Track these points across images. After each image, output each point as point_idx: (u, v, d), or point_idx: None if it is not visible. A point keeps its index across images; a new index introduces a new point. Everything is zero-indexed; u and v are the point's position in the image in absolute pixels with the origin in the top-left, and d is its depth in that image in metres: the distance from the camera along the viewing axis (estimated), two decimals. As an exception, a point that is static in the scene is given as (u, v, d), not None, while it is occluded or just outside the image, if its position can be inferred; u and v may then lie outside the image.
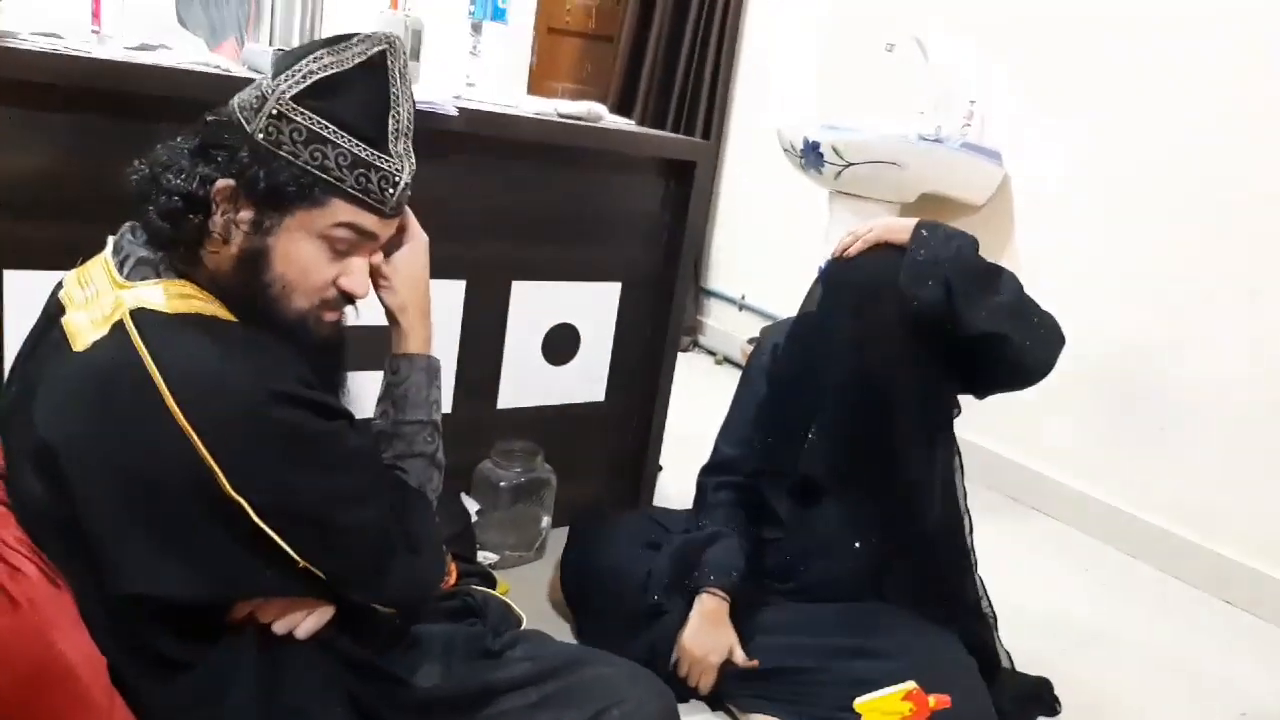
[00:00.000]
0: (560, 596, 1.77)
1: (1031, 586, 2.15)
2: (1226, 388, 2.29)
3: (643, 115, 3.75)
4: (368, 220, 0.99)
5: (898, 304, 1.45)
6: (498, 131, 1.72)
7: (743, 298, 3.68)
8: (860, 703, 1.05)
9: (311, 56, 0.96)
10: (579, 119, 1.86)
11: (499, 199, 1.80)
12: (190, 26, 1.94)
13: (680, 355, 3.72)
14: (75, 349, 0.92)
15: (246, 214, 0.95)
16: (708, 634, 1.53)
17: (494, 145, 1.74)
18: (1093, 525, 2.56)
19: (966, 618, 1.60)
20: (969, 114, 2.73)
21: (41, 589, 0.75)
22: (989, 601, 1.64)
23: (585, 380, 2.01)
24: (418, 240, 1.17)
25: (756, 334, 2.34)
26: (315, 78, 0.95)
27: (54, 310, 0.99)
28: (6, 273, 1.35)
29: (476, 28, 1.95)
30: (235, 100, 0.98)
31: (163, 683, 0.95)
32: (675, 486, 2.20)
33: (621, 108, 3.74)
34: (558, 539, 1.86)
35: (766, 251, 3.64)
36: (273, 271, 0.96)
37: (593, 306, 1.98)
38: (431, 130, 1.61)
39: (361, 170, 0.96)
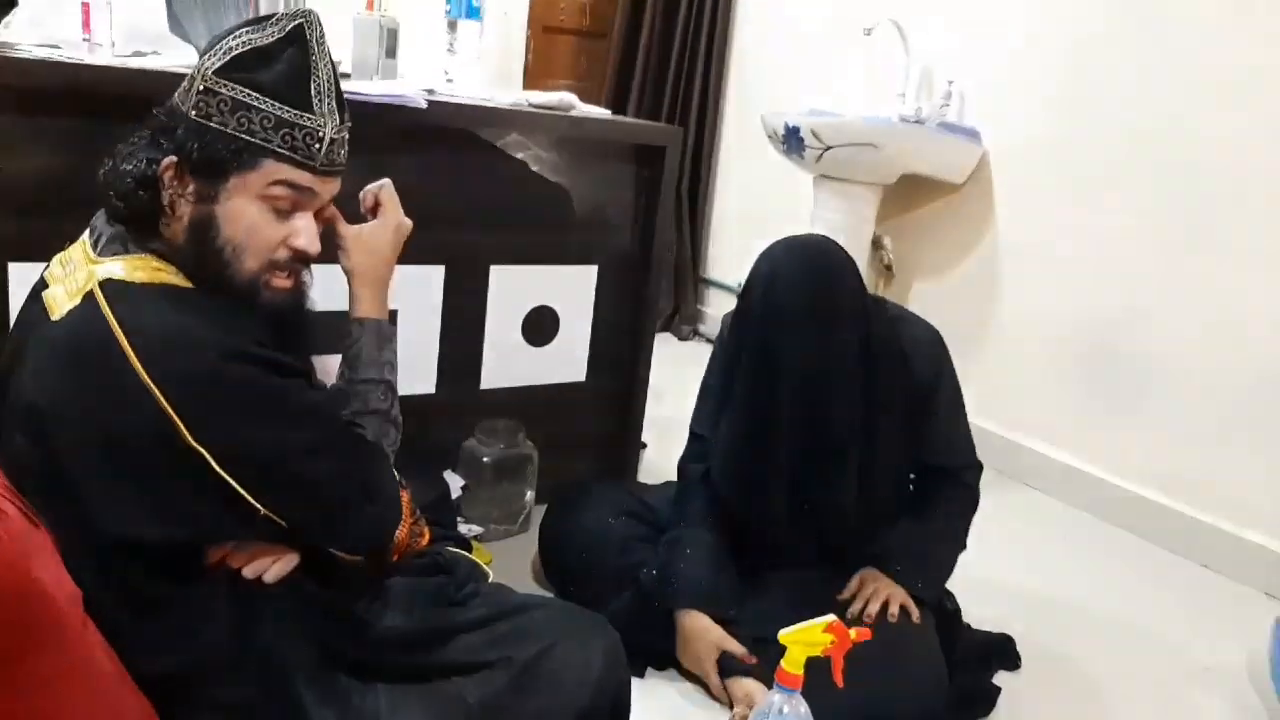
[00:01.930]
0: (541, 567, 1.86)
1: (1005, 553, 2.20)
2: (1198, 355, 2.34)
3: (637, 108, 3.83)
4: (301, 177, 1.07)
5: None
6: (468, 123, 1.82)
7: (739, 286, 3.74)
8: (784, 634, 1.12)
9: (233, 35, 1.05)
10: (551, 108, 1.95)
11: (475, 187, 1.89)
12: (191, 37, 2.04)
13: (681, 343, 3.84)
14: (53, 318, 1.02)
15: (190, 186, 1.05)
16: (694, 648, 1.57)
17: (468, 136, 1.84)
18: (1068, 493, 2.61)
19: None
20: (947, 94, 2.79)
21: (20, 526, 0.85)
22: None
23: (566, 361, 2.10)
24: (388, 217, 1.28)
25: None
26: (235, 52, 1.04)
27: (39, 287, 1.09)
28: (11, 265, 1.46)
29: (452, 25, 2.04)
30: (176, 95, 1.08)
31: (140, 620, 1.04)
32: (661, 463, 2.28)
33: (616, 101, 3.82)
34: (541, 514, 1.93)
35: (763, 239, 3.70)
36: (221, 236, 1.05)
37: (571, 289, 2.06)
38: (405, 123, 1.71)
39: (286, 130, 1.05)
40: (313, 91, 1.07)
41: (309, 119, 1.07)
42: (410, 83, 1.82)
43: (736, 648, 1.53)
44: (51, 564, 0.89)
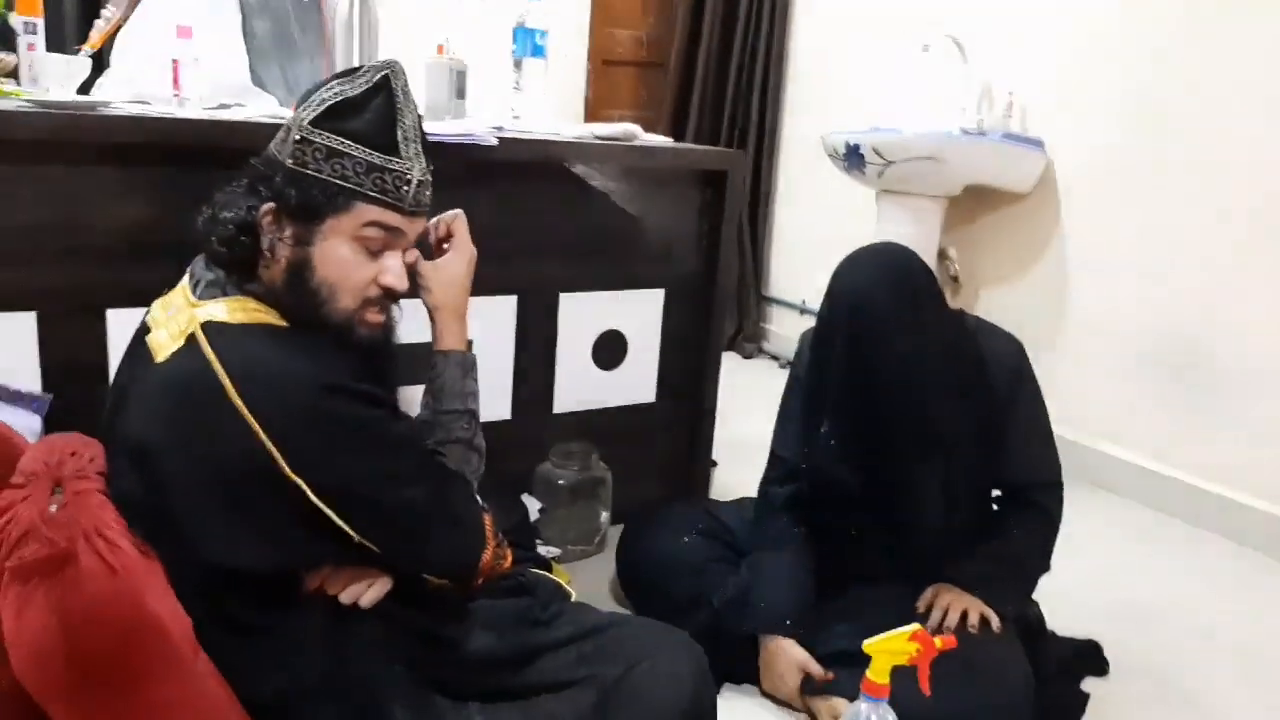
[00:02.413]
0: (620, 588, 1.88)
1: (1087, 559, 2.17)
2: (1277, 354, 2.29)
3: (696, 133, 3.88)
4: (391, 218, 1.13)
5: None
6: (536, 156, 1.87)
7: (803, 303, 3.75)
8: (869, 644, 1.12)
9: (325, 87, 1.12)
10: (615, 139, 1.99)
11: (544, 219, 1.94)
12: (269, 86, 2.14)
13: (745, 361, 3.85)
14: (157, 360, 1.09)
15: (288, 230, 1.11)
16: (777, 673, 1.57)
17: (536, 170, 1.89)
18: (1149, 496, 2.56)
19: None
20: (1009, 105, 2.78)
21: (134, 560, 0.90)
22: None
23: (635, 383, 2.13)
24: (461, 250, 1.34)
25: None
26: (329, 103, 1.10)
27: (142, 331, 1.16)
28: (109, 312, 1.54)
29: (518, 64, 2.10)
30: (272, 141, 1.15)
31: (243, 646, 1.10)
32: (732, 479, 2.29)
33: (675, 128, 3.88)
34: (618, 535, 1.95)
35: (824, 256, 3.70)
36: (317, 277, 1.11)
37: (638, 313, 2.10)
38: (475, 160, 1.77)
39: (377, 174, 1.11)
40: (399, 137, 1.13)
41: (397, 163, 1.12)
42: (479, 121, 1.88)
43: (817, 669, 1.54)
44: (166, 595, 0.95)
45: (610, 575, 1.94)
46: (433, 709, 1.17)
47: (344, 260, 1.12)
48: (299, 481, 1.04)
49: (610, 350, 2.08)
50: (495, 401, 1.96)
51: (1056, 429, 1.66)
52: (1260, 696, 1.74)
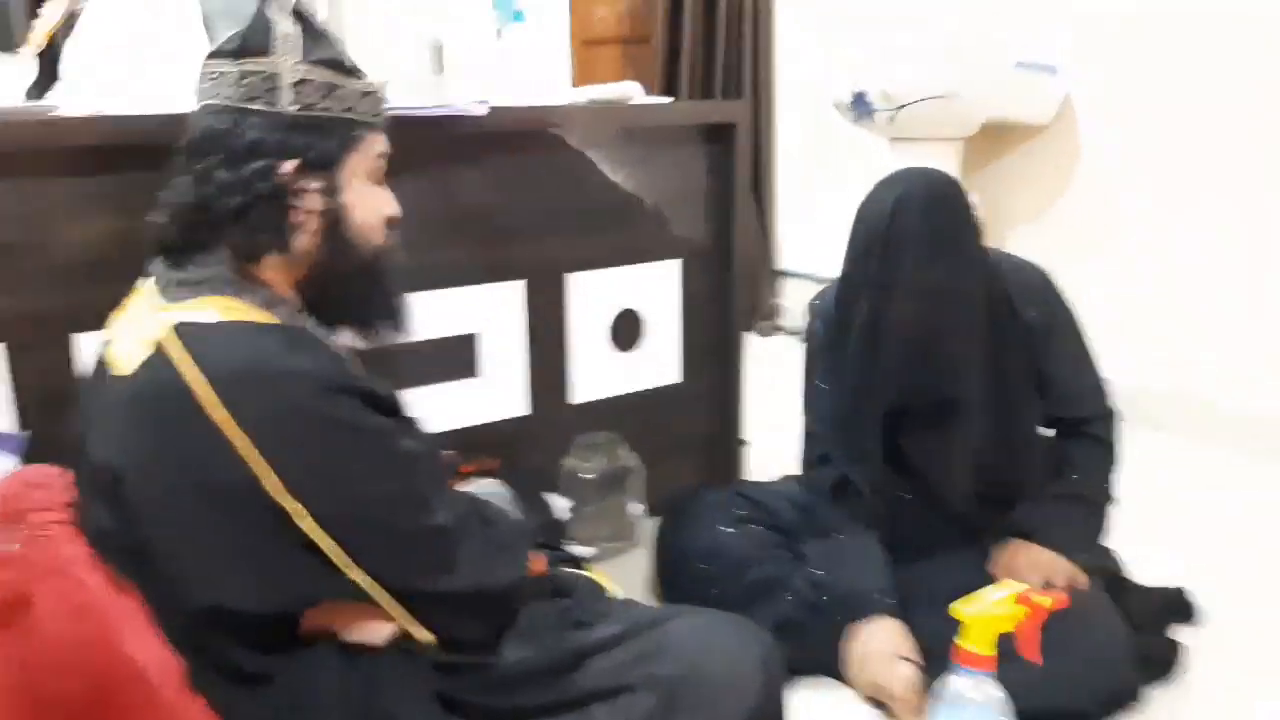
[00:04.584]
0: (660, 587, 1.74)
1: (1153, 502, 2.02)
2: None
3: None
4: (386, 142, 1.06)
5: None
6: (530, 124, 1.73)
7: (817, 278, 3.60)
8: (962, 610, 0.98)
9: (270, 29, 0.97)
10: (610, 102, 1.86)
11: (544, 195, 1.80)
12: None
13: (764, 339, 3.69)
14: (120, 374, 0.94)
15: (314, 185, 0.98)
16: (876, 656, 1.38)
17: (530, 140, 1.75)
18: (1201, 431, 2.42)
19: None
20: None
21: (105, 599, 0.77)
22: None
23: (658, 363, 1.99)
24: None
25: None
26: (298, 39, 0.98)
27: (102, 351, 1.02)
28: (76, 336, 1.38)
29: (499, 33, 1.96)
30: (212, 115, 0.98)
31: (246, 697, 0.94)
32: (765, 459, 2.14)
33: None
34: (652, 527, 1.82)
35: (836, 221, 3.56)
36: (354, 226, 1.01)
37: (654, 288, 1.95)
38: (462, 134, 1.64)
39: (369, 99, 1.02)
40: (347, 55, 1.03)
41: (375, 84, 1.03)
42: (463, 95, 1.74)
43: (913, 651, 1.39)
44: (143, 636, 0.81)
45: (648, 571, 1.80)
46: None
47: (369, 199, 1.04)
48: (290, 503, 0.88)
49: (628, 330, 1.94)
50: (512, 397, 1.83)
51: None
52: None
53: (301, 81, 0.97)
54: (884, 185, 1.44)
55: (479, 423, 1.77)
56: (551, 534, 1.61)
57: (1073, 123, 2.62)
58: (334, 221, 1.00)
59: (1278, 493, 2.15)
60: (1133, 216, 2.52)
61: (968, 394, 1.45)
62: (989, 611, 0.98)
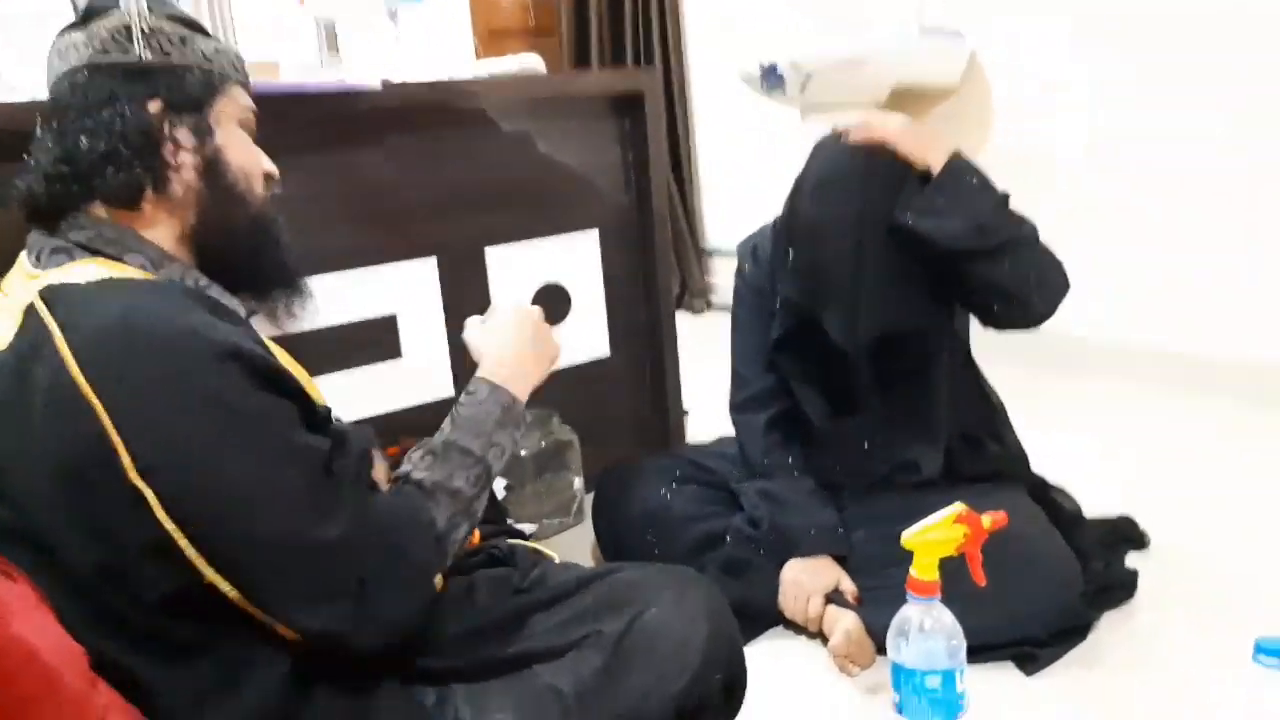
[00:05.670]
0: (600, 555, 1.71)
1: (1096, 439, 2.06)
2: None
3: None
4: (250, 101, 1.02)
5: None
6: (428, 99, 1.69)
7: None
8: (908, 537, 0.97)
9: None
10: (512, 75, 1.82)
11: (453, 170, 1.76)
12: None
13: (695, 317, 3.68)
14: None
15: (184, 129, 0.94)
16: (805, 587, 1.43)
17: (430, 116, 1.71)
18: (1132, 374, 2.46)
19: (1016, 473, 1.55)
20: (919, 6, 2.66)
21: (-11, 583, 0.71)
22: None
23: (585, 336, 1.96)
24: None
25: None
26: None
27: None
28: None
29: (393, 14, 1.91)
30: (66, 78, 0.93)
31: (169, 675, 0.86)
32: (707, 426, 2.13)
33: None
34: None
35: (758, 200, 3.57)
36: (233, 167, 0.97)
37: (575, 259, 1.93)
38: (357, 112, 1.59)
39: (224, 56, 0.99)
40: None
41: (222, 43, 1.00)
42: (362, 75, 1.69)
43: (850, 585, 1.41)
44: (35, 617, 0.75)
45: (593, 545, 1.77)
46: (418, 712, 0.98)
47: (244, 143, 0.99)
48: (143, 488, 0.77)
49: (552, 304, 1.90)
50: (435, 378, 1.78)
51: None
52: None
53: (153, 31, 0.94)
54: (826, 142, 1.53)
55: (404, 406, 1.73)
56: (490, 514, 1.57)
57: (984, 84, 2.66)
58: (210, 162, 0.95)
59: (1208, 424, 2.21)
60: (1049, 172, 2.56)
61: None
62: (929, 534, 0.97)
